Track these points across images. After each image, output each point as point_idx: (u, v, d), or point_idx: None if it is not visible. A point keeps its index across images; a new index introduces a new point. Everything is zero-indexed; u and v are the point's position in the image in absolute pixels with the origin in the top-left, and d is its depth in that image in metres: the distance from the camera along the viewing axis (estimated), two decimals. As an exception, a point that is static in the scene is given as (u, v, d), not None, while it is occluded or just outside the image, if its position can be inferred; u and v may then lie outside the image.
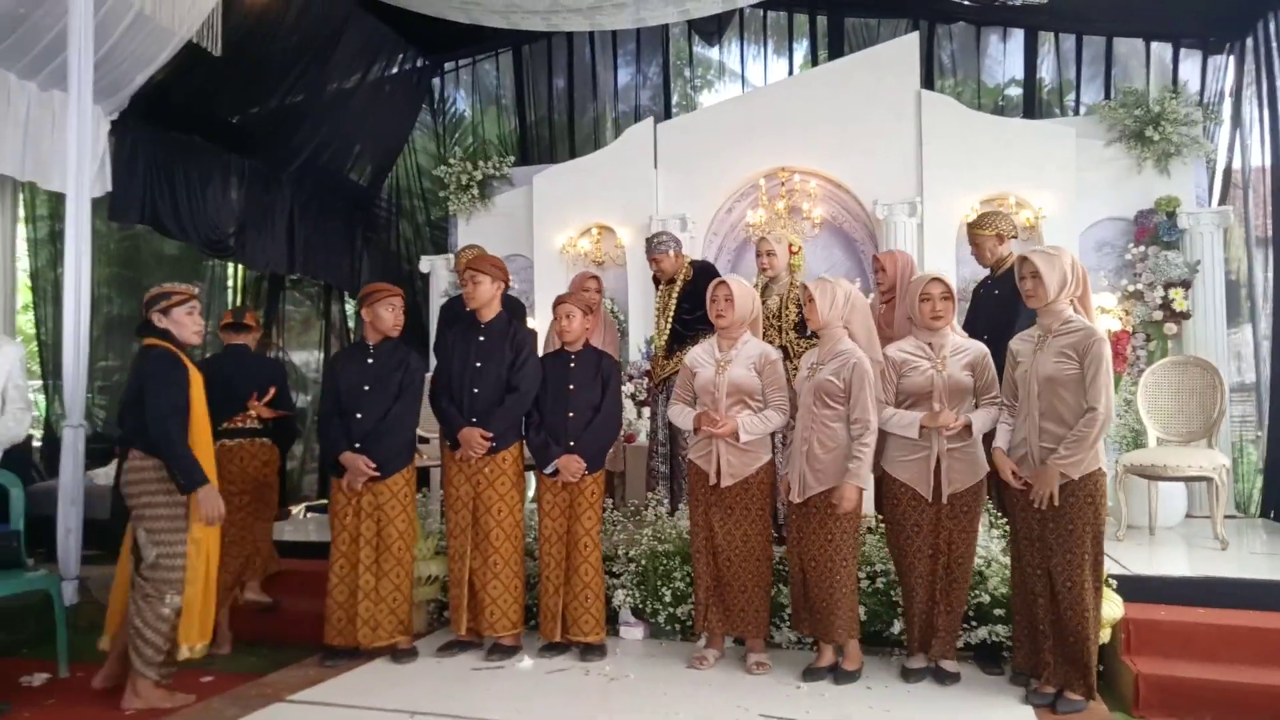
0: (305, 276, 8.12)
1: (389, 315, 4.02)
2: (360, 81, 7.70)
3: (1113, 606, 3.54)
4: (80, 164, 4.45)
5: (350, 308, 8.86)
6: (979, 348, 3.65)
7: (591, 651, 3.97)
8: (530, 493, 4.68)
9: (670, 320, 4.84)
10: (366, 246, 8.61)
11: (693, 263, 5.02)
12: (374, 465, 3.87)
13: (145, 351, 3.58)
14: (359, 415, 3.95)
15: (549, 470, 4.00)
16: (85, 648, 4.43)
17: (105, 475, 5.71)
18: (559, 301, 4.16)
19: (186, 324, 3.61)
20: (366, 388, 3.99)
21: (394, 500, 3.95)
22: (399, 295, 4.08)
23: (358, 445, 3.90)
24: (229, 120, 7.01)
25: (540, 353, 4.29)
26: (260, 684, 3.73)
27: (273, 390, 4.47)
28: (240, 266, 7.74)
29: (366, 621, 3.90)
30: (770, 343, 4.27)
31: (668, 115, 8.19)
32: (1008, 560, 3.87)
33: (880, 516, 3.86)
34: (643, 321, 7.17)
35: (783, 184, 7.10)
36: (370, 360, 4.05)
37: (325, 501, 7.11)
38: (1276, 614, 3.68)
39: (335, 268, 8.21)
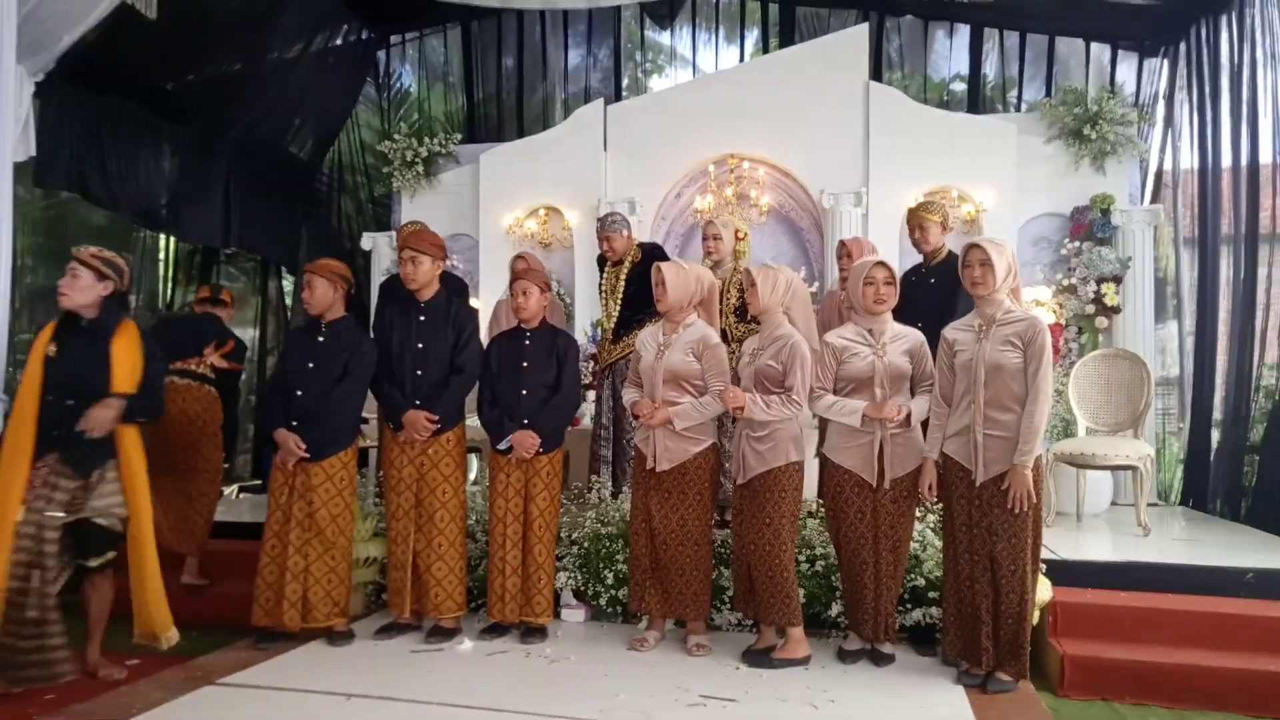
0: (241, 251, 7.89)
1: (308, 294, 3.92)
2: (302, 52, 7.47)
3: (1042, 590, 3.64)
4: (1, 126, 4.25)
5: (288, 284, 8.66)
6: (917, 335, 3.70)
7: (533, 634, 3.96)
8: (472, 474, 4.63)
9: (618, 303, 4.82)
10: (306, 221, 8.41)
11: (641, 245, 5.00)
12: (304, 446, 3.79)
13: None
14: (299, 393, 3.88)
15: (502, 447, 3.95)
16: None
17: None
18: (516, 277, 4.10)
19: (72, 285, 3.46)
20: (311, 365, 3.90)
21: (328, 483, 3.85)
22: (323, 273, 3.94)
23: (295, 424, 3.82)
24: (163, 86, 6.76)
25: (485, 332, 4.24)
26: (189, 667, 3.63)
27: (230, 343, 4.64)
28: (172, 239, 7.50)
29: (294, 604, 3.81)
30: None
31: (618, 98, 8.15)
32: (941, 543, 3.96)
33: (821, 501, 3.91)
34: (589, 304, 7.12)
35: (732, 170, 7.12)
36: (321, 339, 3.96)
37: (259, 482, 6.97)
38: (1194, 597, 3.83)
39: (273, 242, 8.00)
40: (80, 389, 3.34)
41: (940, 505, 4.06)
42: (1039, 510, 3.35)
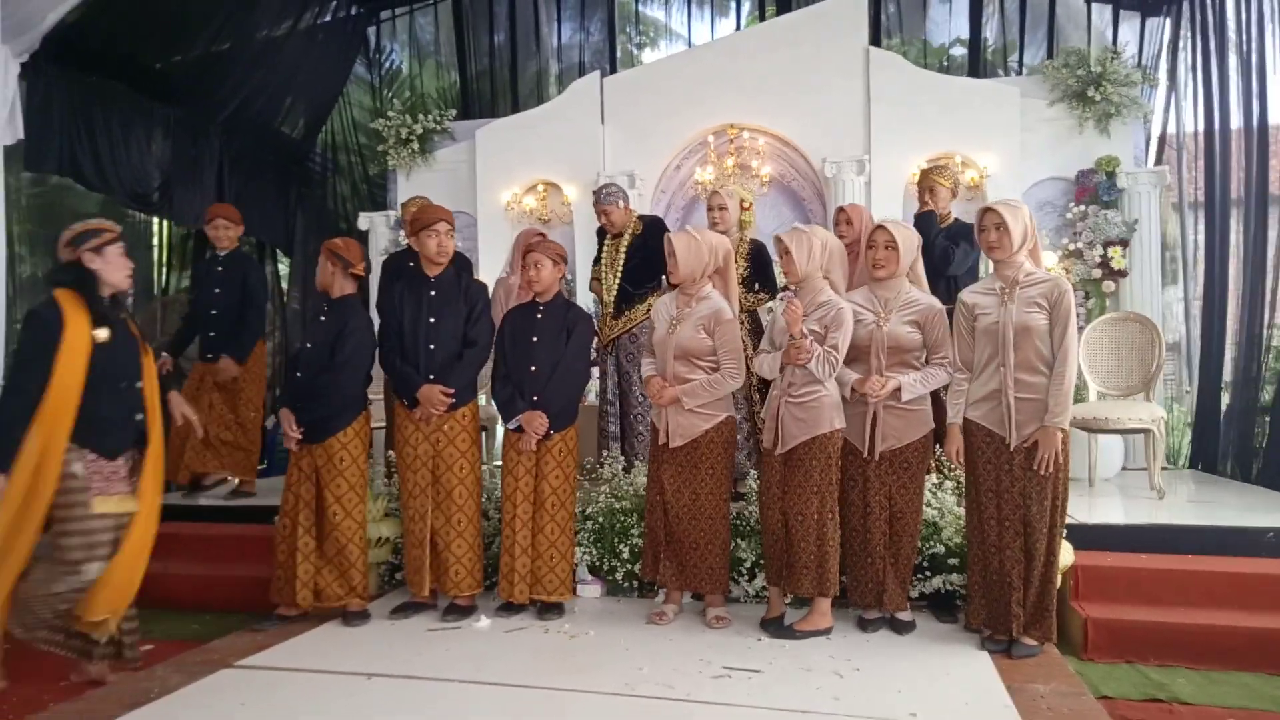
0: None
1: (320, 274, 3.90)
2: (291, 29, 7.32)
3: (1064, 554, 3.62)
4: (-12, 108, 4.15)
5: (284, 267, 8.56)
6: (930, 303, 3.62)
7: (549, 610, 3.92)
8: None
9: (618, 277, 4.75)
10: (301, 203, 8.29)
11: (641, 217, 4.93)
12: (298, 429, 3.76)
13: (34, 309, 3.21)
14: (298, 374, 3.87)
15: (512, 426, 3.90)
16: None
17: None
18: (528, 250, 4.02)
19: (120, 264, 3.32)
20: (309, 345, 3.90)
21: (330, 464, 3.81)
22: (330, 254, 3.90)
23: (298, 405, 3.81)
24: (152, 66, 6.62)
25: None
26: (205, 650, 3.61)
27: None
28: (166, 222, 7.39)
29: (306, 584, 3.79)
30: None
31: (612, 73, 8.02)
32: (961, 511, 3.93)
33: None
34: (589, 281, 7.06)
35: (731, 141, 7.04)
36: (322, 318, 3.94)
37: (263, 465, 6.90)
38: (1214, 558, 3.83)
39: (268, 224, 7.89)
40: (131, 372, 3.29)
41: (956, 471, 4.06)
42: (1066, 473, 3.32)
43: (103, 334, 3.19)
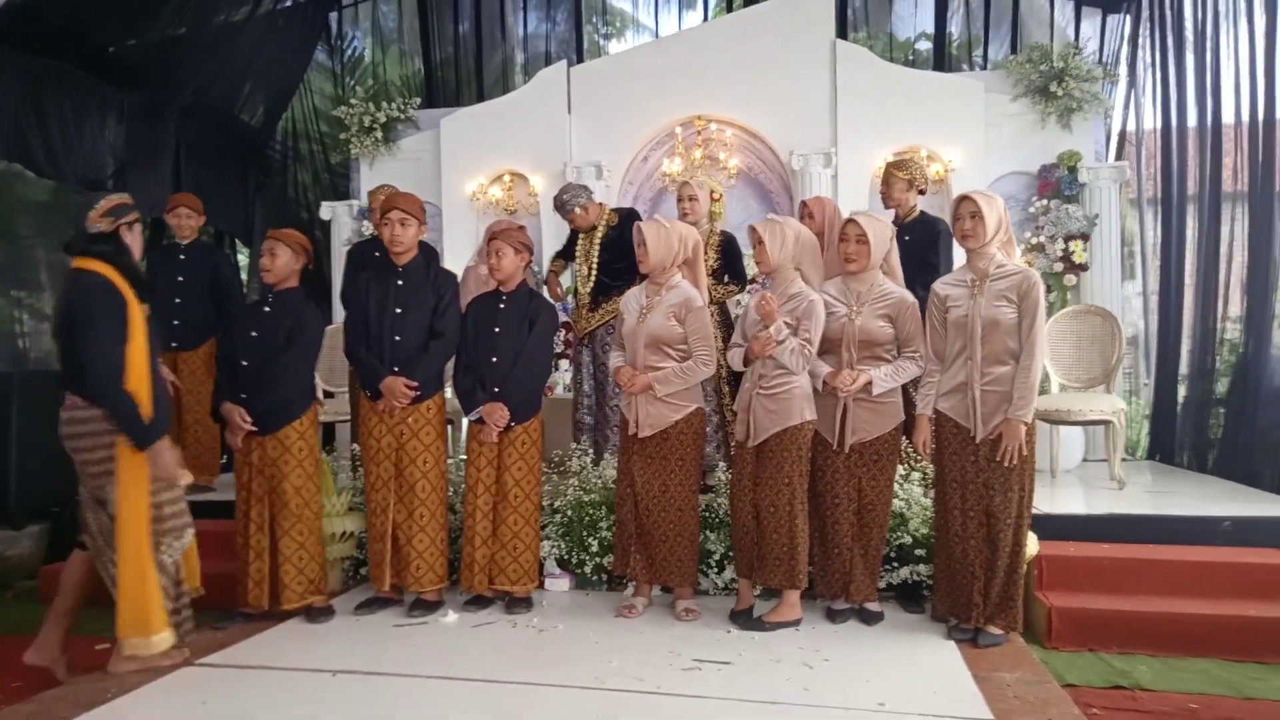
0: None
1: (269, 261, 3.80)
2: (250, 14, 7.15)
3: (1030, 544, 3.66)
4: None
5: (244, 257, 8.38)
6: (903, 296, 3.63)
7: (518, 604, 3.89)
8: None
9: (594, 270, 4.71)
10: (260, 192, 8.12)
11: (616, 209, 4.89)
12: (249, 420, 3.67)
13: (78, 277, 3.13)
14: (245, 364, 3.76)
15: (472, 417, 3.86)
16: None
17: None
18: (491, 237, 3.97)
19: (139, 244, 3.31)
20: (255, 335, 3.78)
21: (286, 454, 3.73)
22: (289, 241, 3.84)
23: (244, 396, 3.71)
24: (105, 50, 6.43)
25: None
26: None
27: None
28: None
29: (259, 583, 3.73)
30: None
31: (579, 63, 7.96)
32: (929, 502, 3.97)
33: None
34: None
35: (699, 133, 7.01)
36: (267, 309, 3.85)
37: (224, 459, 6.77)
38: (1174, 547, 3.90)
39: (226, 214, 7.70)
40: (154, 348, 3.32)
41: (923, 462, 4.08)
42: (1032, 465, 3.35)
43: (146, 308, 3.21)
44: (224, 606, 3.82)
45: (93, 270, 3.11)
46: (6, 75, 5.50)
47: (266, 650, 3.47)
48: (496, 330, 3.89)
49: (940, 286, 3.53)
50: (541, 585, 4.17)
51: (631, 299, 3.86)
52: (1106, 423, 4.89)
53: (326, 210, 7.50)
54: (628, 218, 4.74)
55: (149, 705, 2.94)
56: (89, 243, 3.16)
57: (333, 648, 3.45)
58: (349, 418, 5.19)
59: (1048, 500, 4.49)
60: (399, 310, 3.81)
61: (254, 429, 3.70)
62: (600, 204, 4.87)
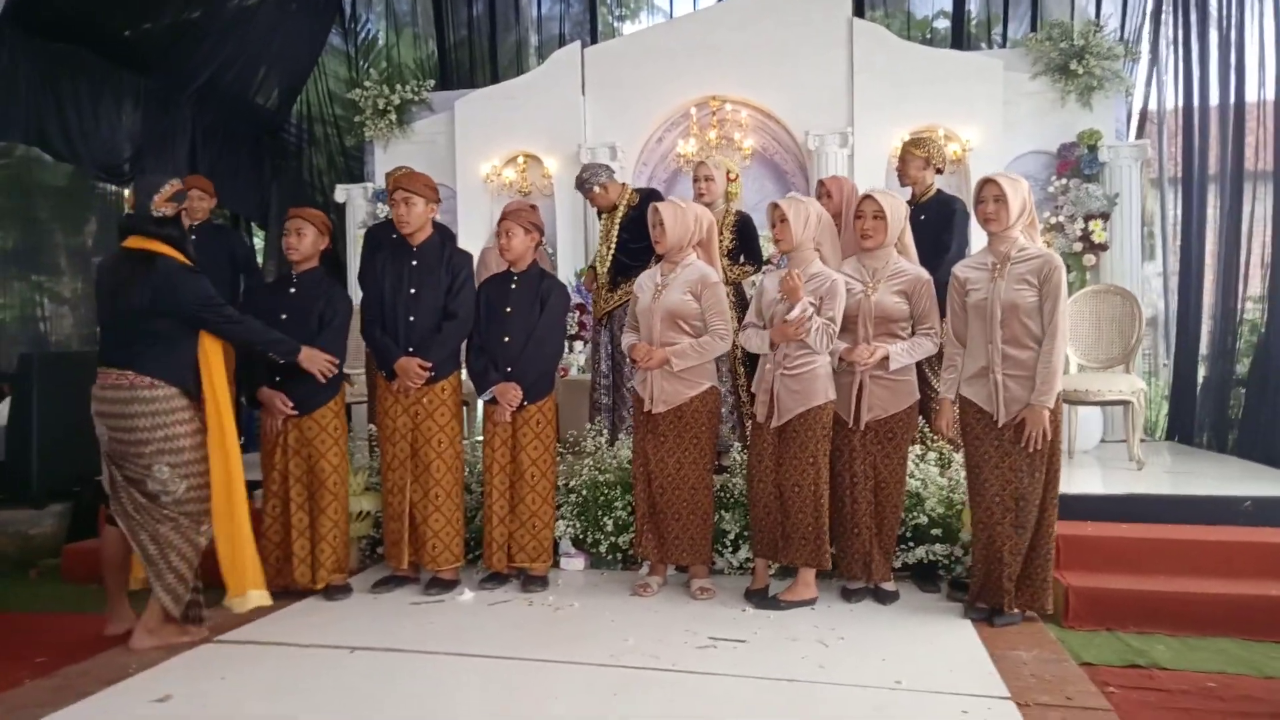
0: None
1: (295, 240, 3.81)
2: (263, -2, 7.18)
3: (1048, 523, 3.64)
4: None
5: (260, 240, 8.42)
6: (918, 273, 3.62)
7: (533, 583, 3.91)
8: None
9: (613, 249, 4.69)
10: (276, 175, 8.15)
11: (638, 190, 4.86)
12: (290, 404, 3.71)
13: (149, 258, 3.22)
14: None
15: (485, 398, 3.87)
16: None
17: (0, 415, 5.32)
18: (501, 218, 3.97)
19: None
20: (284, 318, 3.77)
21: (323, 434, 3.77)
22: (314, 220, 3.84)
23: (278, 379, 3.73)
24: (121, 35, 6.45)
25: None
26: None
27: None
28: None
29: (304, 560, 3.78)
30: None
31: (593, 44, 7.92)
32: (944, 481, 3.95)
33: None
34: (571, 255, 7.01)
35: (714, 113, 6.98)
36: (293, 290, 3.84)
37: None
38: (1193, 527, 3.87)
39: (242, 197, 7.75)
40: None
41: (940, 443, 4.07)
42: (1058, 447, 3.32)
43: None
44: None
45: (160, 252, 3.25)
46: (25, 60, 5.53)
47: (285, 627, 3.50)
48: (508, 310, 3.90)
49: (960, 269, 3.50)
50: (557, 564, 4.18)
51: (646, 278, 3.86)
52: (1125, 403, 4.85)
53: (341, 193, 7.53)
54: (648, 198, 4.71)
55: (170, 680, 2.97)
56: (156, 225, 3.27)
57: (350, 625, 3.48)
58: (365, 399, 5.21)
59: (1065, 480, 4.35)
60: (413, 290, 3.81)
61: (294, 412, 3.72)
62: (622, 184, 4.84)
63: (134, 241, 3.27)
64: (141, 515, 3.20)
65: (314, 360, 3.61)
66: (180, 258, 3.28)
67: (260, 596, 3.37)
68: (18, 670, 3.13)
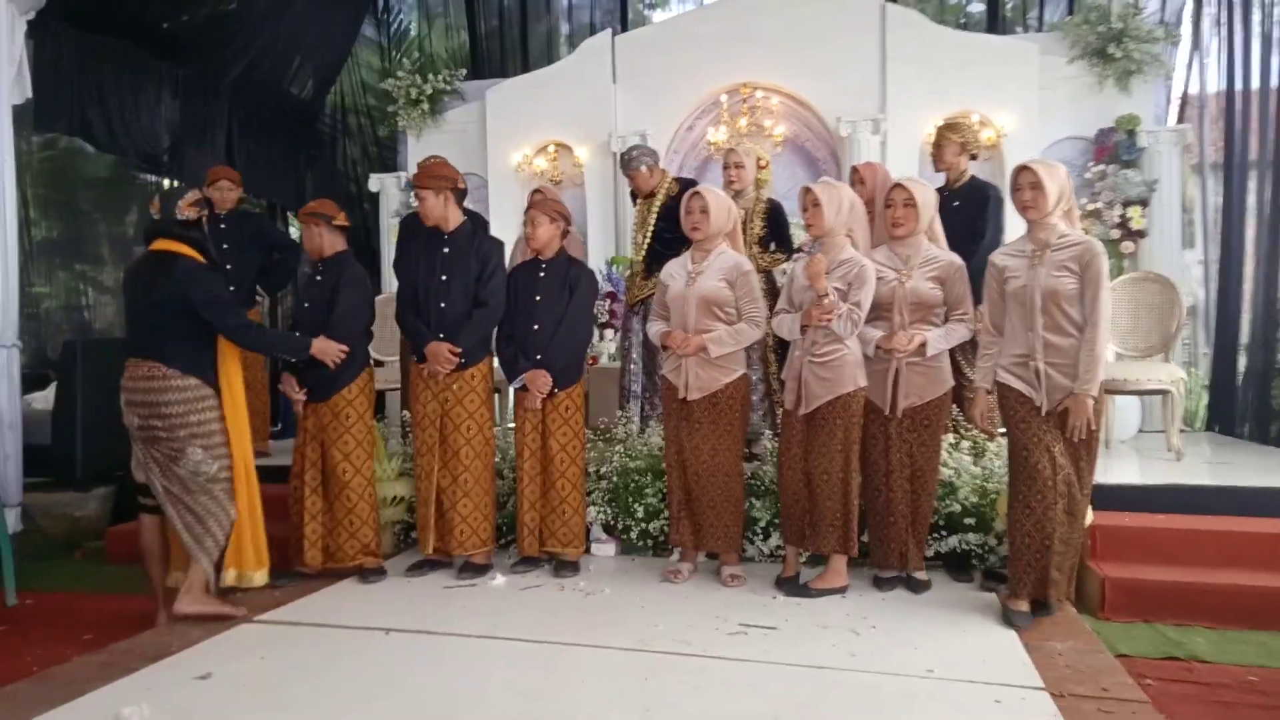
0: (248, 195, 7.73)
1: (308, 241, 3.95)
2: (297, -11, 7.24)
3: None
4: (-4, 66, 4.11)
5: (295, 230, 8.52)
6: (951, 259, 3.59)
7: (565, 568, 3.94)
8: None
9: (649, 237, 4.69)
10: (311, 165, 8.24)
11: (678, 179, 4.85)
12: (300, 389, 3.82)
13: (173, 259, 3.39)
14: (298, 334, 3.86)
15: (516, 384, 3.91)
16: (35, 575, 4.28)
17: (44, 400, 5.45)
18: (528, 207, 4.00)
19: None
20: (306, 305, 3.91)
21: (335, 421, 3.85)
22: (315, 218, 3.93)
23: (297, 364, 3.84)
24: (159, 25, 6.55)
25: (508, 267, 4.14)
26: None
27: None
28: (176, 184, 7.35)
29: (314, 543, 3.88)
30: None
31: (624, 31, 7.91)
32: (978, 470, 3.92)
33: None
34: (602, 243, 7.02)
35: (745, 100, 6.94)
36: (318, 277, 3.95)
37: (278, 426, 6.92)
38: (1233, 518, 3.81)
39: (278, 186, 7.85)
40: None
41: (973, 431, 4.03)
42: (1097, 438, 3.27)
43: None
44: (280, 567, 3.92)
45: (182, 254, 3.41)
46: (66, 52, 5.63)
47: (321, 608, 3.56)
48: (537, 298, 3.93)
49: (998, 257, 3.45)
50: (588, 550, 4.21)
51: (676, 265, 3.86)
52: (1165, 392, 4.78)
53: (375, 183, 7.59)
54: (688, 188, 4.70)
55: (210, 658, 3.04)
56: (181, 228, 3.44)
57: (384, 607, 3.54)
58: (399, 385, 5.27)
59: (1102, 470, 4.31)
60: (445, 277, 3.85)
61: (307, 398, 3.83)
62: (664, 171, 4.83)
63: (160, 244, 3.44)
64: (179, 487, 3.35)
65: (326, 351, 3.73)
66: (200, 258, 3.46)
67: (261, 576, 3.56)
68: (66, 647, 3.23)
